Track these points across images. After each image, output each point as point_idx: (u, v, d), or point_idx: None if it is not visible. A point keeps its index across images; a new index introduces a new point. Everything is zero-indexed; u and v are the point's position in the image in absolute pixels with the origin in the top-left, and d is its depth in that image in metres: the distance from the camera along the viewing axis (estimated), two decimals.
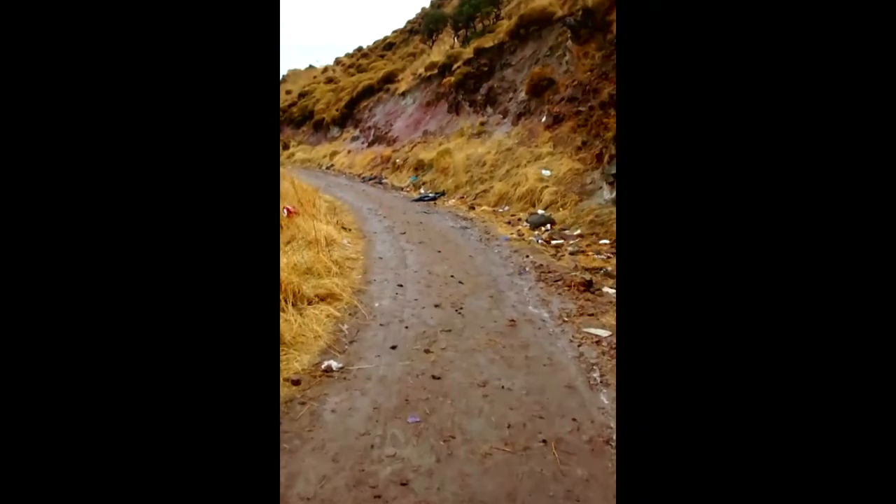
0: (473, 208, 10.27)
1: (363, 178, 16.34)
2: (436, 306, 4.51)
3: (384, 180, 15.22)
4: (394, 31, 28.55)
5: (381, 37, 29.65)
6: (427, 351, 3.62)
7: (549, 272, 5.51)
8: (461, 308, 4.47)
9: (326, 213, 8.52)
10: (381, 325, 4.10)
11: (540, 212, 8.79)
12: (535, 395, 3.04)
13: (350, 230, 7.54)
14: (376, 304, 4.53)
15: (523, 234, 7.68)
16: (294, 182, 11.47)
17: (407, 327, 4.05)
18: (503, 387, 3.14)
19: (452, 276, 5.36)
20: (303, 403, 2.95)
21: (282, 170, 16.81)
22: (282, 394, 3.03)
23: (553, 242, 7.11)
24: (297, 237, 6.17)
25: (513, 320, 4.19)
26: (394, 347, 3.68)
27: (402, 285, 5.06)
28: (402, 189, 13.57)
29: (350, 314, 4.27)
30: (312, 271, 4.86)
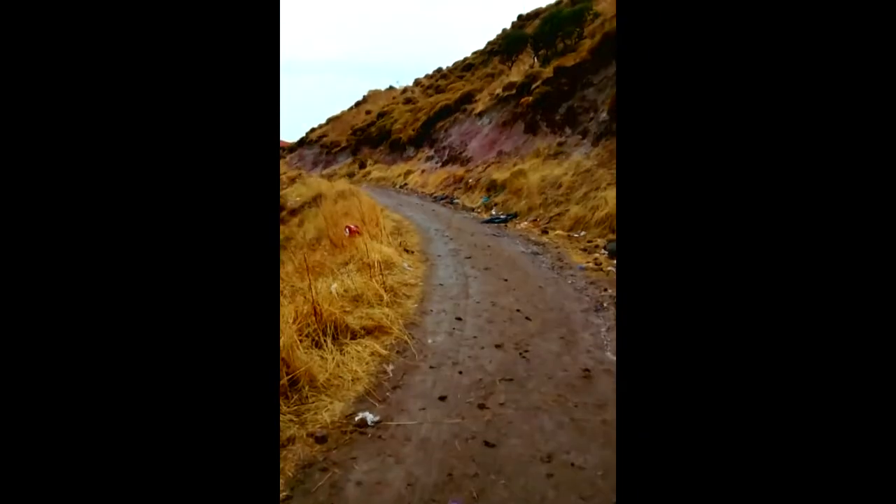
0: (546, 232, 9.56)
1: (435, 197, 15.96)
2: (497, 346, 3.86)
3: (455, 200, 14.76)
4: (473, 53, 28.33)
5: (460, 58, 29.52)
6: (482, 406, 2.98)
7: None
8: (526, 351, 3.81)
9: (391, 233, 8.08)
10: (431, 367, 3.49)
11: None
12: (613, 480, 2.33)
13: (413, 252, 7.03)
14: (429, 341, 3.94)
15: (601, 264, 6.91)
16: (361, 199, 11.22)
17: (461, 372, 3.42)
18: (573, 464, 2.45)
19: (518, 311, 4.70)
20: (324, 470, 2.39)
21: (353, 187, 16.82)
22: (302, 454, 2.49)
23: None
24: (356, 258, 5.72)
25: (587, 370, 3.47)
26: (443, 398, 3.07)
27: (460, 318, 4.45)
28: (472, 210, 13.04)
29: (398, 352, 3.70)
30: (362, 299, 4.36)
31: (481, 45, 28.28)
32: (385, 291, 4.64)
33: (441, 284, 5.54)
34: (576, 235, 9.30)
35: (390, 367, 3.43)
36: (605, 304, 4.93)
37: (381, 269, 5.55)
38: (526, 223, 10.68)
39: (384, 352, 3.61)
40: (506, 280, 5.81)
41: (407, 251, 6.92)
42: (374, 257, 5.38)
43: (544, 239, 8.99)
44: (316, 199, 14.75)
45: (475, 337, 4.05)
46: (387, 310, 4.26)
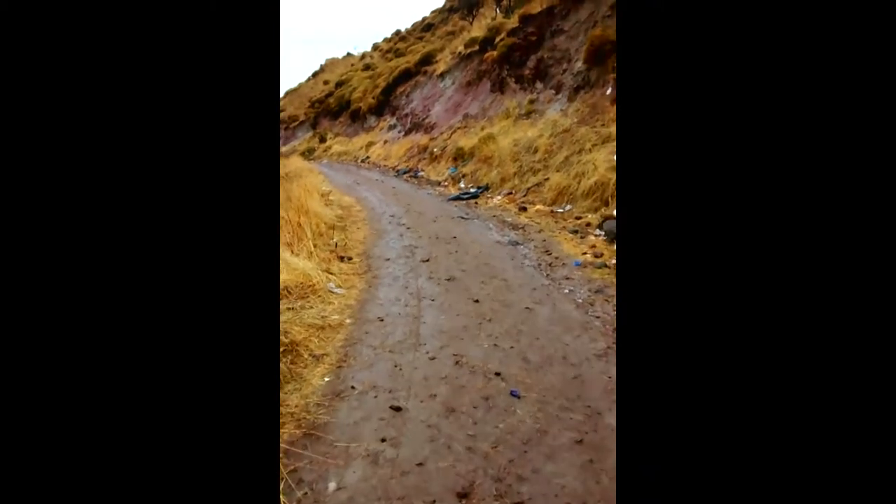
0: (525, 209, 7.57)
1: (398, 170, 13.80)
2: (462, 498, 1.91)
3: (420, 173, 12.64)
4: (432, 12, 25.59)
5: (419, 18, 26.79)
6: None
7: None
8: (522, 494, 1.86)
9: (332, 226, 6.00)
10: None
11: None
12: None
13: (351, 259, 4.97)
14: (330, 489, 1.96)
15: (601, 255, 4.96)
16: (304, 182, 9.08)
17: None
18: None
19: (498, 374, 2.73)
20: None
21: (307, 165, 14.54)
22: None
23: None
24: None
25: None
26: None
27: (399, 408, 2.46)
28: (438, 184, 10.95)
29: None
30: None
31: (440, 3, 25.57)
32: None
33: (380, 319, 3.52)
34: (560, 210, 7.32)
35: None
36: None
37: (299, 297, 3.54)
38: (500, 198, 8.66)
39: None
40: (476, 301, 3.82)
41: (342, 259, 4.85)
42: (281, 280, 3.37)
43: (523, 219, 6.99)
44: None
45: (420, 465, 2.07)
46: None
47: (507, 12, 15.37)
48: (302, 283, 3.79)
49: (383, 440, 2.20)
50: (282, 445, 2.11)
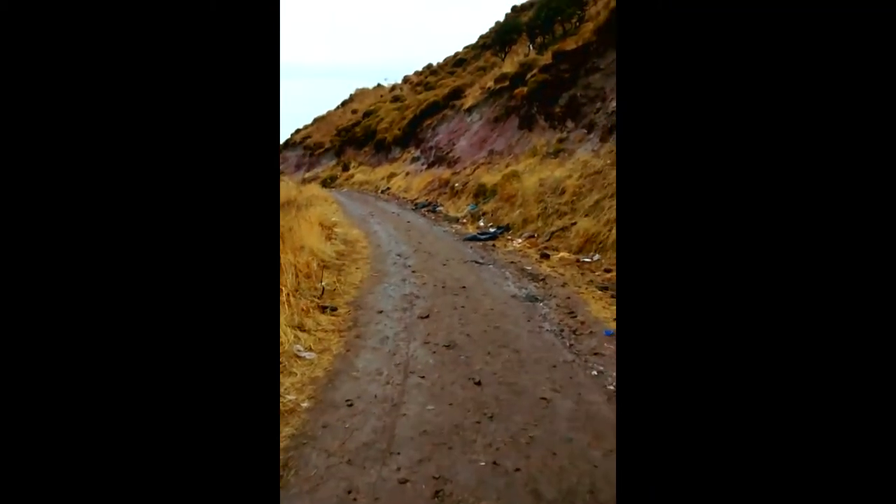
0: (547, 256, 6.69)
1: (416, 203, 13.07)
2: None
3: (438, 208, 11.88)
4: (465, 47, 25.21)
5: (451, 53, 26.52)
6: None
7: None
8: None
9: (319, 269, 5.19)
10: None
11: None
12: None
13: (336, 310, 4.12)
14: None
15: None
16: (309, 213, 8.39)
17: None
18: None
19: None
20: None
21: (323, 193, 13.95)
22: None
23: None
24: None
25: None
26: None
27: None
28: (457, 220, 10.16)
29: None
30: None
31: (473, 40, 25.29)
32: None
33: (348, 404, 2.63)
34: (587, 260, 6.43)
35: None
36: None
37: None
38: (520, 241, 7.81)
39: None
40: (478, 384, 2.92)
41: (324, 310, 4.02)
42: None
43: (545, 268, 6.11)
44: (285, 206, 11.97)
45: None
46: None
47: (541, 49, 14.78)
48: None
49: None
50: None
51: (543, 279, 5.53)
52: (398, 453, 2.23)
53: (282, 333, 3.12)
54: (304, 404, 2.59)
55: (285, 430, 2.35)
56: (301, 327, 3.43)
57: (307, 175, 23.62)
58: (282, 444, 2.25)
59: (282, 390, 2.68)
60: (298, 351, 3.12)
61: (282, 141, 34.47)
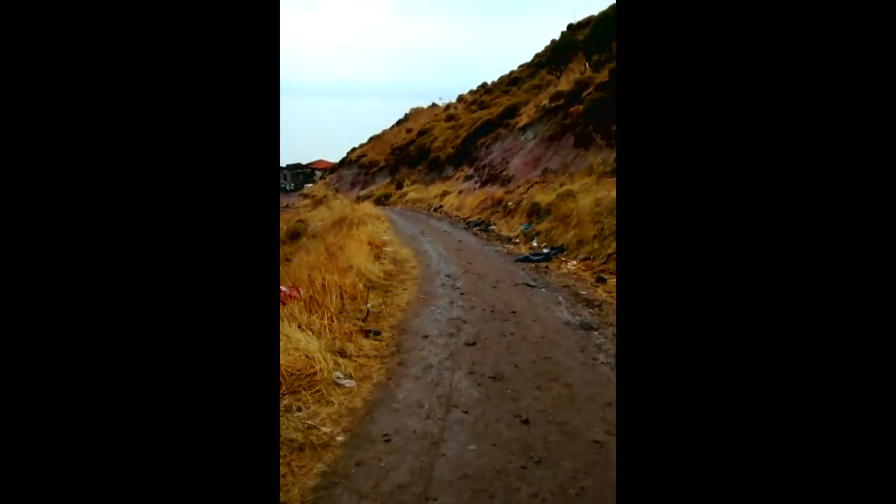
0: (603, 280, 6.37)
1: (468, 222, 12.94)
2: None
3: (491, 227, 11.71)
4: (520, 66, 25.11)
5: (506, 72, 26.44)
6: None
7: None
8: None
9: (366, 290, 5.10)
10: None
11: None
12: None
13: (379, 335, 4.00)
14: None
15: None
16: (361, 231, 8.38)
17: None
18: None
19: None
20: None
21: (376, 211, 14.04)
22: None
23: None
24: None
25: None
26: None
27: None
28: (509, 240, 9.94)
29: None
30: None
31: (528, 58, 25.15)
32: None
33: (385, 440, 2.45)
34: None
35: None
36: None
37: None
38: (575, 263, 7.51)
39: None
40: (525, 422, 2.69)
41: (367, 334, 3.90)
42: None
43: (600, 293, 5.80)
44: (338, 224, 12.12)
45: None
46: None
47: (597, 67, 14.47)
48: (299, 371, 2.86)
49: None
50: None
51: (599, 305, 5.23)
52: (435, 499, 2.05)
53: (321, 360, 3.01)
54: (339, 438, 2.46)
55: (317, 467, 2.22)
56: (343, 352, 3.31)
57: (362, 193, 23.99)
58: (311, 483, 2.11)
59: (317, 421, 2.56)
60: (338, 378, 3.00)
61: (338, 159, 35.33)
